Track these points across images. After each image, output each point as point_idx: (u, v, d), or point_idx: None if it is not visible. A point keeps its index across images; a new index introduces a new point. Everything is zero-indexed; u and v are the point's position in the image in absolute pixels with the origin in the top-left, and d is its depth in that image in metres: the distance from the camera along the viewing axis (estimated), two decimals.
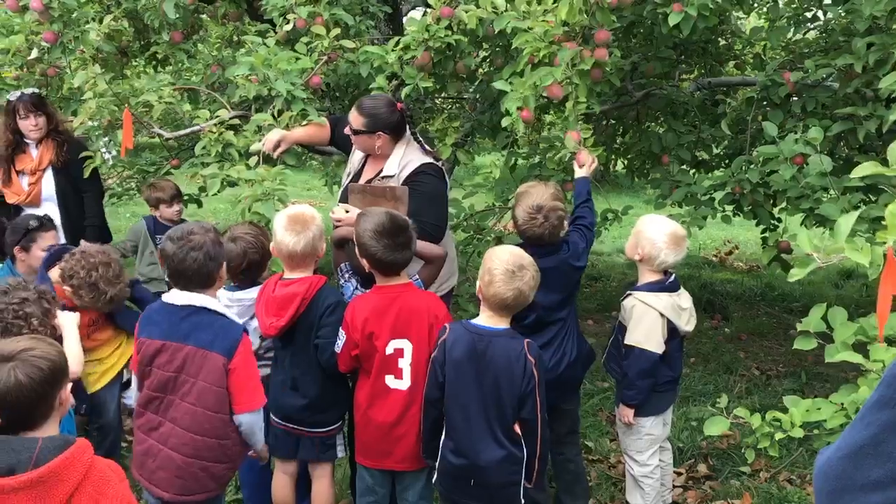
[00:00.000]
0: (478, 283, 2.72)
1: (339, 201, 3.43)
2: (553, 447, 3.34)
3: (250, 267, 3.14)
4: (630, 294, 3.18)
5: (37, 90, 4.54)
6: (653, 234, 3.13)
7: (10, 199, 4.59)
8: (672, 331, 3.13)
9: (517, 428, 2.66)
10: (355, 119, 3.39)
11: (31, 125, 4.49)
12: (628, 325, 3.14)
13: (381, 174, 3.43)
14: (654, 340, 3.07)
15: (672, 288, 3.17)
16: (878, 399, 1.12)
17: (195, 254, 2.62)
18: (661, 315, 3.09)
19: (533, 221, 3.04)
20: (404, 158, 3.41)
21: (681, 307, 3.16)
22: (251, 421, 2.72)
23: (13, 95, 4.47)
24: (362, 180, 3.49)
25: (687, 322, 3.18)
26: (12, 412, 1.85)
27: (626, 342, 3.12)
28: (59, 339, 2.78)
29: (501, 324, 2.69)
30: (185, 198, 4.79)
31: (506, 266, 2.61)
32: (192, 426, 2.64)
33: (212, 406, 2.63)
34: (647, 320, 3.08)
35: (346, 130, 3.45)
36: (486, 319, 2.70)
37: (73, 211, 4.65)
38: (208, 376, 2.62)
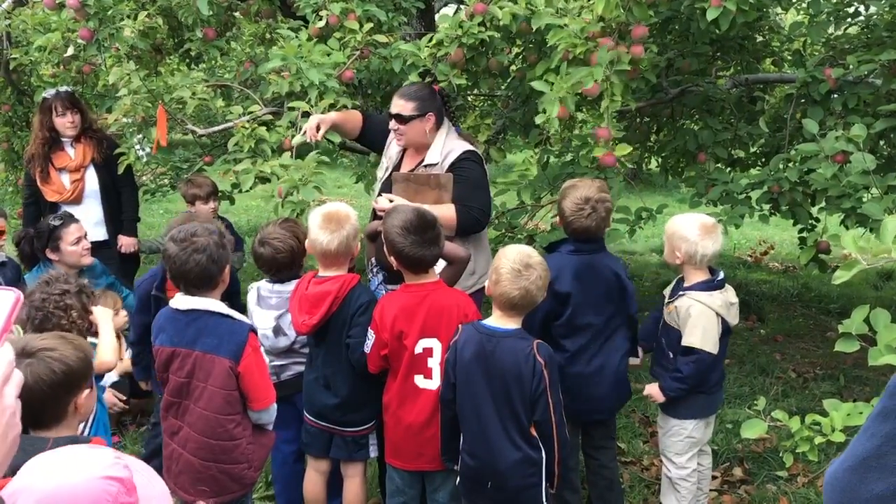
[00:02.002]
0: (486, 282, 2.69)
1: (381, 192, 3.41)
2: (588, 451, 3.31)
3: (281, 269, 3.16)
4: (683, 295, 3.11)
5: (71, 88, 4.59)
6: (683, 231, 3.09)
7: (51, 196, 4.63)
8: (723, 329, 3.09)
9: (534, 430, 2.63)
10: (403, 107, 3.36)
11: (67, 122, 4.54)
12: (685, 327, 3.08)
13: (424, 163, 3.40)
14: (711, 341, 3.04)
15: (721, 285, 3.12)
16: (882, 410, 1.09)
17: (198, 256, 2.59)
18: (717, 314, 3.05)
19: (581, 212, 3.00)
20: (446, 147, 3.39)
21: (730, 303, 3.13)
22: (268, 418, 2.78)
23: (49, 93, 4.53)
24: (404, 170, 3.47)
25: (734, 316, 3.15)
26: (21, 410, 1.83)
27: (684, 343, 3.07)
28: (97, 332, 2.83)
29: (511, 324, 2.65)
30: (219, 194, 4.81)
31: (512, 265, 2.57)
32: (206, 430, 2.65)
33: (221, 409, 2.64)
34: (705, 321, 3.04)
35: (393, 125, 3.41)
36: (496, 320, 2.67)
37: (114, 206, 4.71)
38: (216, 380, 2.63)
